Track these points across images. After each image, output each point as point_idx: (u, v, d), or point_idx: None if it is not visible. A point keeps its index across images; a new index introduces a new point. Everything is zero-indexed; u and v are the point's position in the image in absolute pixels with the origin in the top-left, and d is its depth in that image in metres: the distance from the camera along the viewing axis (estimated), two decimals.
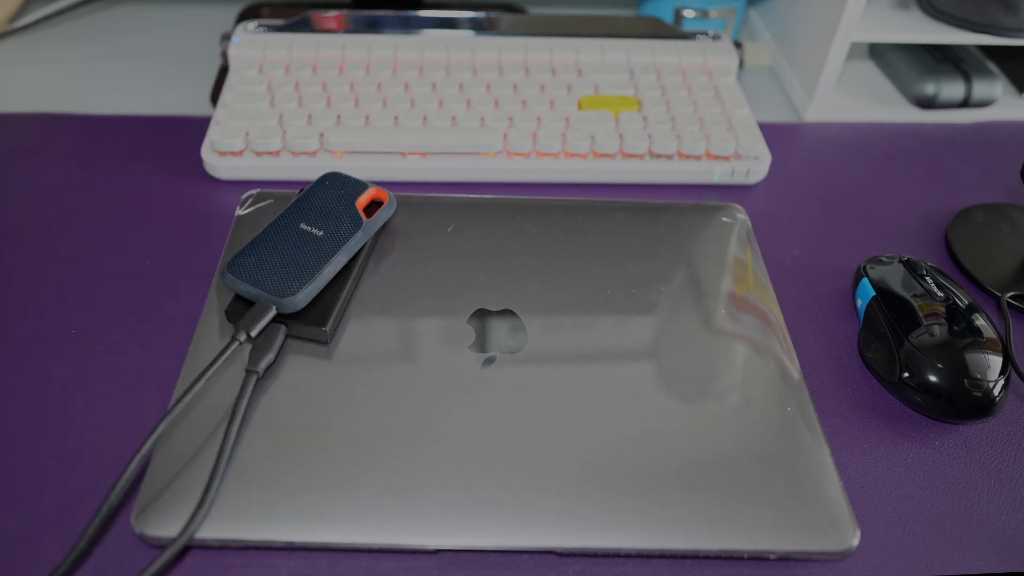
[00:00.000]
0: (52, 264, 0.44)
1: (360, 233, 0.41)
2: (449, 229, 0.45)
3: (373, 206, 0.43)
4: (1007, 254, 0.48)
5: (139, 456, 0.32)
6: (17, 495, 0.34)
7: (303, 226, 0.40)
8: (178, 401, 0.34)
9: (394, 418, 0.36)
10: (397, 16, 0.59)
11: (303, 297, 0.38)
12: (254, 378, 0.36)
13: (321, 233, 0.40)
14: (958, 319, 0.40)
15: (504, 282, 0.42)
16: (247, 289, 0.38)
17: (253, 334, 0.36)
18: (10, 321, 0.41)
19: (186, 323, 0.42)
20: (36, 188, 0.49)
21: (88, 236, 0.46)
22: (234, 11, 0.69)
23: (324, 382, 0.37)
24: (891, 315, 0.41)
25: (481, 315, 0.41)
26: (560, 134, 0.51)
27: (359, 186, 0.43)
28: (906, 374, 0.39)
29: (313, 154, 0.50)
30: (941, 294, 0.41)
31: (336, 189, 0.43)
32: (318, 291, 0.39)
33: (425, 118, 0.52)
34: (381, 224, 0.42)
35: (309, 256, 0.39)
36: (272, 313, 0.37)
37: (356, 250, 0.41)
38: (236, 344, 0.36)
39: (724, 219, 0.47)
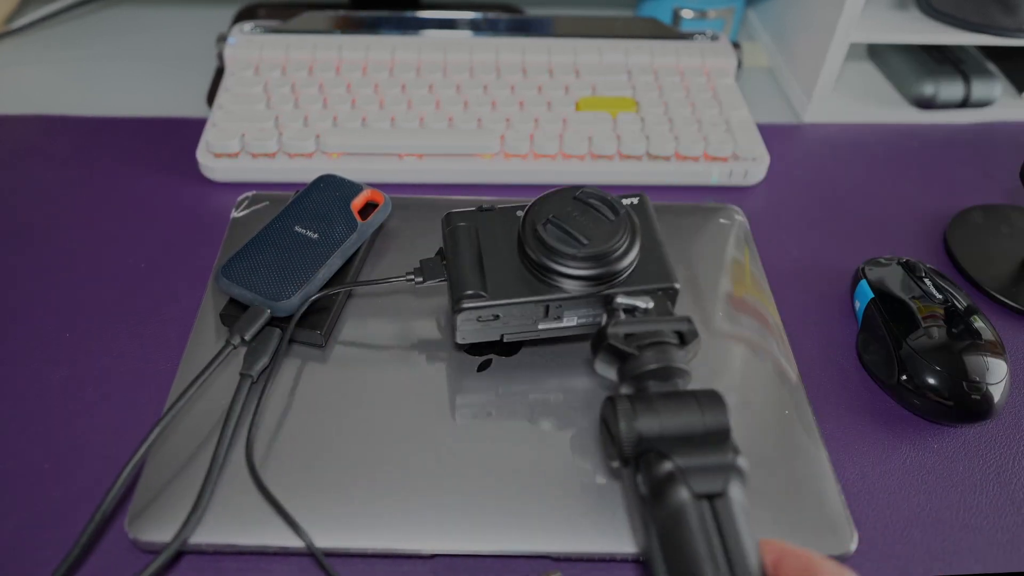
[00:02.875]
0: (49, 265, 0.44)
1: (355, 235, 0.40)
2: None
3: (368, 208, 0.43)
4: (1006, 255, 0.48)
5: (132, 463, 0.32)
6: (14, 497, 0.34)
7: (297, 229, 0.40)
8: (171, 407, 0.34)
9: (389, 422, 0.36)
10: (394, 17, 0.59)
11: (297, 300, 0.37)
12: (248, 382, 0.36)
13: (316, 236, 0.40)
14: (957, 321, 0.40)
15: None
16: (241, 293, 0.38)
17: (247, 338, 0.36)
18: (8, 322, 0.41)
19: (183, 325, 0.41)
20: (32, 190, 0.49)
21: (85, 238, 0.46)
22: (231, 12, 0.69)
23: (319, 386, 0.37)
24: (890, 317, 0.41)
25: None
26: (557, 135, 0.51)
27: (354, 188, 0.43)
28: (904, 377, 0.39)
29: (310, 156, 0.50)
30: (940, 296, 0.41)
31: (331, 191, 0.43)
32: (313, 294, 0.38)
33: (422, 119, 0.52)
34: (376, 226, 0.42)
35: (304, 259, 0.39)
36: (266, 317, 0.37)
37: (351, 253, 0.40)
38: (230, 348, 0.36)
39: (722, 220, 0.47)
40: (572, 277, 0.34)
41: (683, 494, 0.27)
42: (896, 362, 0.39)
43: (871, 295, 0.42)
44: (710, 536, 0.26)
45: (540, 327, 0.36)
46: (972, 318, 0.40)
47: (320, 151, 0.50)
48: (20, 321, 0.41)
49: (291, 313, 0.37)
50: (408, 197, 0.47)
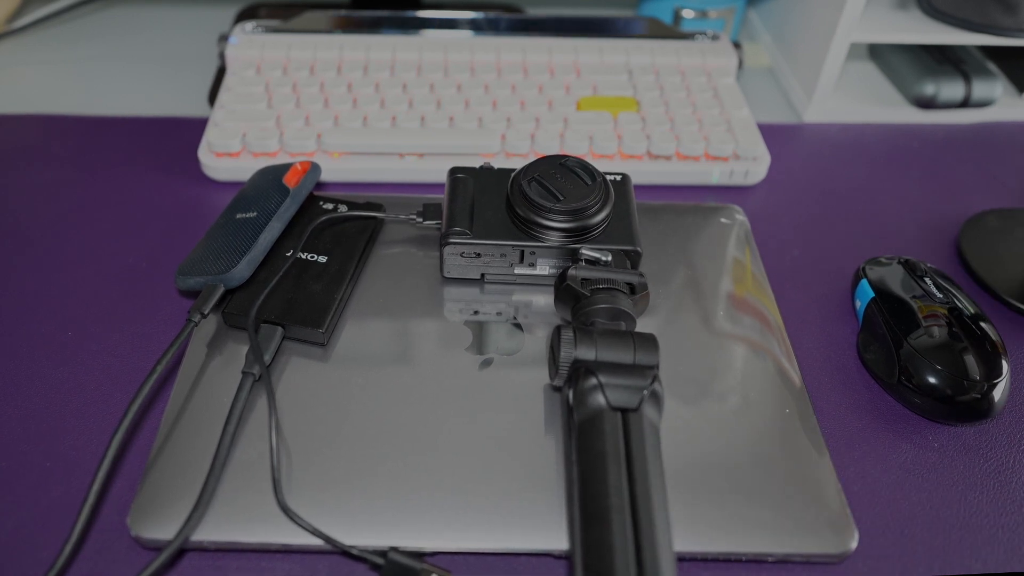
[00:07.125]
0: (49, 265, 0.44)
1: (288, 200, 0.41)
2: None
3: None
4: (1019, 259, 0.47)
5: (114, 443, 0.33)
6: (14, 497, 0.34)
7: (238, 216, 0.42)
8: (143, 385, 0.34)
9: (391, 420, 0.36)
10: (395, 17, 0.59)
11: (244, 266, 0.39)
12: (250, 380, 0.36)
13: (255, 214, 0.41)
14: (957, 320, 0.40)
15: None
16: (196, 281, 0.39)
17: (205, 312, 0.37)
18: (7, 322, 0.41)
19: (183, 325, 0.41)
20: (33, 190, 0.49)
21: (86, 238, 0.46)
22: (232, 12, 0.69)
23: (321, 384, 0.37)
24: (890, 316, 0.41)
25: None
26: (558, 135, 0.51)
27: (284, 167, 0.44)
28: (905, 376, 0.39)
29: (311, 155, 0.50)
30: (940, 295, 0.41)
31: (264, 177, 0.44)
32: (260, 259, 0.39)
33: (423, 119, 0.52)
34: (310, 188, 0.43)
35: (246, 234, 0.40)
36: (220, 290, 0.38)
37: (290, 216, 0.41)
38: (192, 325, 0.37)
39: (723, 220, 0.47)
40: (547, 228, 0.39)
41: (600, 402, 0.31)
42: (897, 361, 0.39)
43: (872, 294, 0.42)
44: (618, 440, 0.30)
45: (516, 271, 0.41)
46: (973, 317, 0.40)
47: (321, 150, 0.50)
48: (20, 321, 0.41)
49: (243, 280, 0.39)
50: (409, 196, 0.47)
